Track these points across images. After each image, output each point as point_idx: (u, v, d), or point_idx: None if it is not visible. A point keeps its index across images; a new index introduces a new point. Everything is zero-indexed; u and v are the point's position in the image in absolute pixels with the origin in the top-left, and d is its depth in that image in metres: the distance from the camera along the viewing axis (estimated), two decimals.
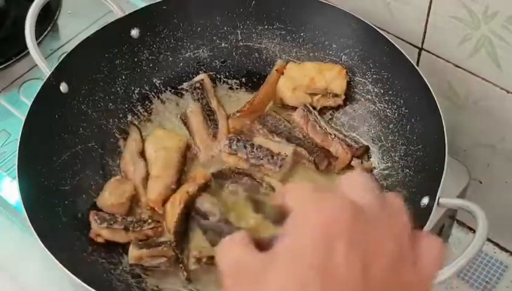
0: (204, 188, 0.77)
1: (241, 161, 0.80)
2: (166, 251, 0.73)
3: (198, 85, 0.87)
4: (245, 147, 0.80)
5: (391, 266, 0.37)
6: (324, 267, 0.35)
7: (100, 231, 0.74)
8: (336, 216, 0.36)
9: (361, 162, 0.81)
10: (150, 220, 0.77)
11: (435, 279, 0.40)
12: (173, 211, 0.76)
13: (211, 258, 0.71)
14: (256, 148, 0.80)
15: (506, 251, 0.98)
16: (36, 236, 0.68)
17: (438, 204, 0.69)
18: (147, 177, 0.81)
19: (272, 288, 0.36)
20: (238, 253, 0.39)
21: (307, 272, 0.35)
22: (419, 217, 0.70)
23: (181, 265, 0.73)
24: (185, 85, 0.90)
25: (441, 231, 0.89)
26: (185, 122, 0.86)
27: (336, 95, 0.85)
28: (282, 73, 0.87)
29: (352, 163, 0.81)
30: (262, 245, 0.39)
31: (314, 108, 0.85)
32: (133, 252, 0.73)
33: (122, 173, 0.82)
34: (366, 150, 0.82)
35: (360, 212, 0.37)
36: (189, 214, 0.75)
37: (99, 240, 0.74)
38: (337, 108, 0.87)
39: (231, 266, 0.39)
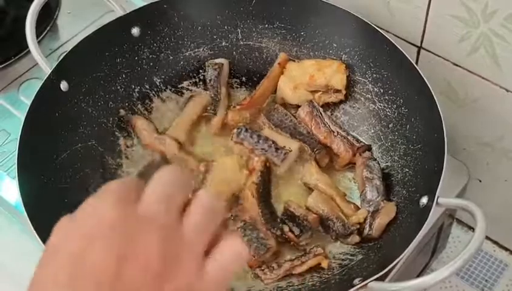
0: (266, 172, 0.79)
1: (247, 150, 0.81)
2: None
3: (216, 67, 0.88)
4: (251, 137, 0.81)
5: (147, 273, 0.36)
6: (80, 259, 0.36)
7: None
8: (100, 210, 0.37)
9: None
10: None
11: (223, 286, 0.39)
12: (251, 206, 0.76)
13: None
14: (263, 140, 0.81)
15: (506, 249, 0.98)
16: (36, 236, 0.68)
17: (437, 203, 0.69)
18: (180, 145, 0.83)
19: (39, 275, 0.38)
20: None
21: (65, 266, 0.36)
22: (418, 216, 0.70)
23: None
24: (207, 62, 0.90)
25: (441, 230, 0.89)
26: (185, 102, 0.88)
27: (337, 90, 0.86)
28: (284, 67, 0.87)
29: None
30: None
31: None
32: None
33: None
34: (368, 148, 0.82)
35: (130, 211, 0.37)
36: (267, 200, 0.78)
37: None
38: (337, 107, 0.87)
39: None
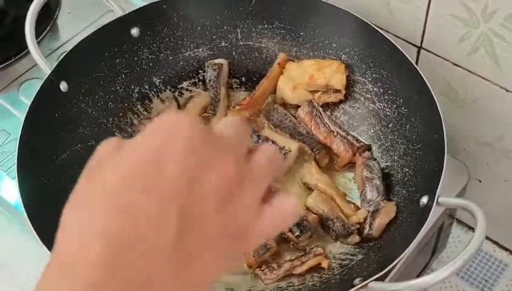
0: None
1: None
2: None
3: (216, 67, 0.88)
4: (251, 138, 0.81)
5: (218, 192, 0.36)
6: (155, 167, 0.35)
7: None
8: (180, 123, 0.36)
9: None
10: None
11: (271, 237, 0.40)
12: None
13: None
14: (262, 140, 0.81)
15: (506, 249, 0.98)
16: (36, 236, 0.68)
17: (437, 203, 0.69)
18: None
19: (94, 187, 0.37)
20: (103, 147, 0.40)
21: (137, 172, 0.35)
22: (418, 216, 0.70)
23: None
24: (206, 62, 0.90)
25: (441, 230, 0.89)
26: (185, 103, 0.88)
27: (337, 90, 0.86)
28: (284, 67, 0.87)
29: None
30: None
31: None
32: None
33: None
34: (368, 148, 0.82)
35: (208, 131, 0.37)
36: None
37: None
38: (336, 107, 0.87)
39: (93, 158, 0.40)
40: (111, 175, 0.36)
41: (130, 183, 0.35)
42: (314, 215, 0.76)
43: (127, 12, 0.87)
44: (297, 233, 0.75)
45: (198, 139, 0.36)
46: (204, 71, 0.90)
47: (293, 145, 0.81)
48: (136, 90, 0.89)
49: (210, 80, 0.88)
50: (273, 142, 0.81)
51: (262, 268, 0.73)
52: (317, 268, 0.74)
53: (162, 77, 0.90)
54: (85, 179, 0.38)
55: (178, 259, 0.35)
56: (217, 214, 0.36)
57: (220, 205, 0.36)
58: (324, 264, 0.74)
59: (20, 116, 0.79)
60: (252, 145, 0.40)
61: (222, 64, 0.89)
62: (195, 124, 0.36)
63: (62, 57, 0.84)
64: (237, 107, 0.86)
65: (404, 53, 0.80)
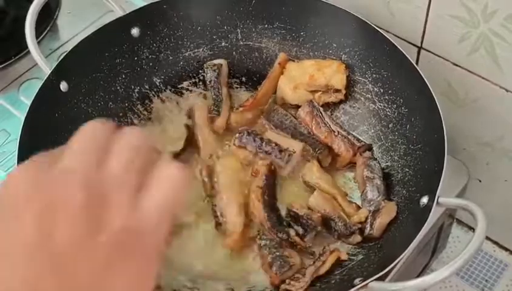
0: (270, 175, 0.79)
1: (250, 154, 0.80)
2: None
3: (215, 68, 0.88)
4: (254, 141, 0.81)
5: (75, 222, 0.35)
6: (9, 232, 0.35)
7: None
8: (18, 177, 0.36)
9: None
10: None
11: (166, 220, 0.37)
12: (257, 210, 0.76)
13: None
14: (265, 143, 0.80)
15: (506, 249, 0.98)
16: None
17: (437, 203, 0.69)
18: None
19: None
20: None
21: None
22: (418, 216, 0.70)
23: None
24: (205, 64, 0.90)
25: (441, 230, 0.89)
26: (189, 116, 0.87)
27: (337, 90, 0.86)
28: (284, 67, 0.87)
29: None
30: None
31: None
32: None
33: None
34: (369, 148, 0.82)
35: (44, 171, 0.37)
36: (273, 203, 0.78)
37: None
38: (337, 107, 0.87)
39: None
40: None
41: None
42: (318, 214, 0.76)
43: (127, 12, 0.87)
44: (301, 233, 0.75)
45: (38, 189, 0.35)
46: (204, 71, 0.90)
47: (297, 146, 0.81)
48: (136, 90, 0.89)
49: (210, 81, 0.88)
50: (276, 144, 0.80)
51: (288, 282, 0.72)
52: (337, 263, 0.74)
53: (163, 77, 0.90)
54: None
55: None
56: (92, 240, 0.35)
57: (89, 231, 0.35)
58: (343, 256, 0.74)
59: (20, 116, 0.79)
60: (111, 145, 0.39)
61: (221, 64, 0.89)
62: (34, 171, 0.36)
63: (62, 57, 0.84)
64: (240, 109, 0.86)
65: (405, 53, 0.80)
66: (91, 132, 0.39)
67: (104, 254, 0.35)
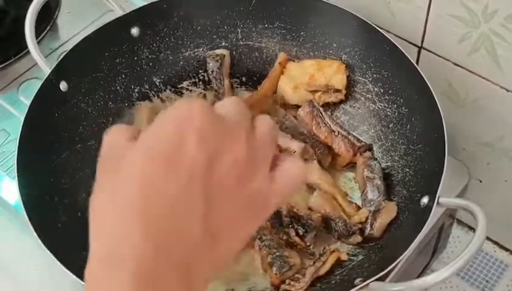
0: None
1: None
2: None
3: (218, 58, 0.88)
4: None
5: (236, 169, 0.38)
6: (172, 156, 0.37)
7: None
8: (191, 111, 0.38)
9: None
10: None
11: (286, 198, 0.43)
12: None
13: None
14: None
15: (506, 250, 0.98)
16: (36, 236, 0.68)
17: (438, 203, 0.69)
18: None
19: (123, 176, 0.37)
20: (114, 136, 0.41)
21: (154, 163, 0.37)
22: (419, 216, 0.70)
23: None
24: (207, 53, 0.90)
25: (441, 231, 0.89)
26: None
27: (337, 90, 0.86)
28: (284, 67, 0.87)
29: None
30: None
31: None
32: None
33: None
34: (369, 148, 0.82)
35: (217, 116, 0.39)
36: None
37: None
38: (337, 107, 0.87)
39: (106, 148, 0.41)
40: (135, 163, 0.37)
41: (155, 169, 0.37)
42: (318, 214, 0.76)
43: (127, 12, 0.86)
44: (301, 233, 0.75)
45: (209, 125, 0.38)
46: (204, 71, 0.90)
47: (297, 146, 0.80)
48: (136, 90, 0.89)
49: (212, 72, 0.88)
50: (277, 145, 0.80)
51: (288, 283, 0.72)
52: (338, 264, 0.74)
53: (163, 77, 0.90)
54: (106, 170, 0.40)
55: (209, 237, 0.37)
56: (238, 188, 0.39)
57: (239, 179, 0.39)
58: (344, 257, 0.73)
59: (20, 116, 0.79)
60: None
61: (224, 55, 0.89)
62: (204, 110, 0.38)
63: (62, 57, 0.84)
64: None
65: (405, 53, 0.80)
66: (239, 101, 0.43)
67: (241, 205, 0.39)
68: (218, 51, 0.89)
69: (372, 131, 0.84)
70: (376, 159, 0.81)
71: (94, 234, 0.38)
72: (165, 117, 0.39)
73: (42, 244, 0.67)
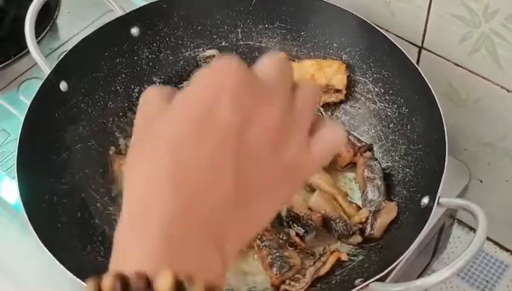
0: None
1: None
2: None
3: (208, 60, 0.88)
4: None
5: (269, 135, 0.38)
6: (204, 118, 0.37)
7: None
8: (226, 73, 0.38)
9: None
10: None
11: (324, 163, 0.42)
12: None
13: None
14: None
15: (507, 250, 0.98)
16: (36, 236, 0.67)
17: (438, 203, 0.69)
18: None
19: (155, 139, 0.38)
20: (150, 96, 0.41)
21: (186, 125, 0.37)
22: (419, 216, 0.70)
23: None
24: (198, 57, 0.90)
25: (442, 231, 0.89)
26: None
27: (337, 90, 0.85)
28: None
29: None
30: None
31: None
32: None
33: None
34: (369, 148, 0.82)
35: (254, 78, 0.39)
36: None
37: None
38: (337, 107, 0.87)
39: (142, 108, 0.41)
40: (167, 126, 0.38)
41: (187, 133, 0.37)
42: (318, 214, 0.76)
43: (127, 11, 0.86)
44: (301, 233, 0.75)
45: (244, 87, 0.38)
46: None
47: None
48: (136, 90, 0.89)
49: None
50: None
51: (288, 283, 0.72)
52: (338, 264, 0.74)
53: (163, 77, 0.90)
54: (140, 132, 0.40)
55: (239, 201, 0.37)
56: (271, 154, 0.38)
57: (273, 145, 0.38)
58: (344, 257, 0.73)
59: (20, 116, 0.78)
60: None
61: (214, 55, 0.88)
62: (241, 72, 0.38)
63: (62, 56, 0.84)
64: None
65: (405, 53, 0.80)
66: (278, 61, 0.42)
67: (274, 171, 0.38)
68: (208, 52, 0.89)
69: (373, 131, 0.84)
70: (376, 159, 0.81)
71: (127, 196, 0.38)
72: (201, 76, 0.39)
73: (42, 244, 0.67)
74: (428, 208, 0.69)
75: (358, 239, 0.75)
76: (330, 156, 0.42)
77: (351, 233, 0.75)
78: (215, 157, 0.37)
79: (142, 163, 0.38)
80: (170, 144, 0.37)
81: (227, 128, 0.37)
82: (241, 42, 0.91)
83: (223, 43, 0.91)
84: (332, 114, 0.86)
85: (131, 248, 0.36)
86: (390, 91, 0.83)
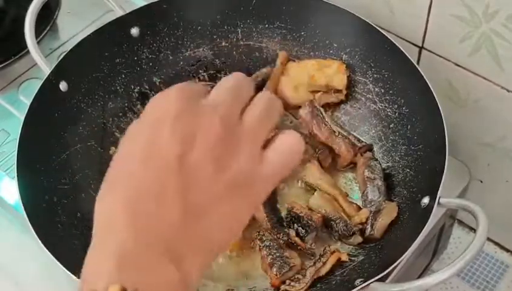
0: None
1: None
2: None
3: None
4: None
5: (211, 151, 0.40)
6: (148, 148, 0.40)
7: None
8: (166, 101, 0.41)
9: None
10: None
11: (285, 173, 0.42)
12: (257, 211, 0.76)
13: None
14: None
15: (507, 250, 0.98)
16: (36, 236, 0.67)
17: (438, 203, 0.69)
18: None
19: (113, 172, 0.42)
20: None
21: (140, 153, 0.41)
22: (419, 217, 0.70)
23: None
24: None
25: (442, 231, 0.89)
26: None
27: (338, 91, 0.85)
28: (285, 66, 0.87)
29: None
30: None
31: None
32: None
33: None
34: (370, 148, 0.82)
35: (195, 100, 0.41)
36: (273, 204, 0.78)
37: None
38: (337, 107, 0.87)
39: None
40: (118, 159, 0.42)
41: (138, 163, 0.40)
42: (318, 215, 0.75)
43: (127, 12, 0.86)
44: (302, 234, 0.75)
45: (185, 113, 0.40)
46: (204, 71, 0.90)
47: None
48: (136, 90, 0.89)
49: None
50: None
51: (288, 283, 0.72)
52: (338, 264, 0.73)
53: (162, 77, 0.90)
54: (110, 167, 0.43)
55: (188, 220, 0.39)
56: (215, 172, 0.40)
57: (216, 162, 0.40)
58: (344, 257, 0.73)
59: (20, 116, 0.78)
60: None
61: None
62: (182, 99, 0.41)
63: (61, 57, 0.84)
64: None
65: (406, 53, 0.80)
66: (234, 82, 0.44)
67: (221, 188, 0.40)
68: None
69: (373, 131, 0.84)
70: (376, 160, 0.81)
71: (94, 224, 0.42)
72: (145, 113, 0.42)
73: (42, 244, 0.67)
74: (428, 209, 0.69)
75: (358, 239, 0.75)
76: (290, 166, 0.43)
77: (351, 233, 0.75)
78: (161, 183, 0.39)
79: (106, 194, 0.42)
80: (123, 176, 0.41)
81: (169, 156, 0.39)
82: (241, 42, 0.91)
83: (223, 43, 0.91)
84: (332, 115, 0.86)
85: (95, 267, 0.40)
86: (391, 91, 0.83)
